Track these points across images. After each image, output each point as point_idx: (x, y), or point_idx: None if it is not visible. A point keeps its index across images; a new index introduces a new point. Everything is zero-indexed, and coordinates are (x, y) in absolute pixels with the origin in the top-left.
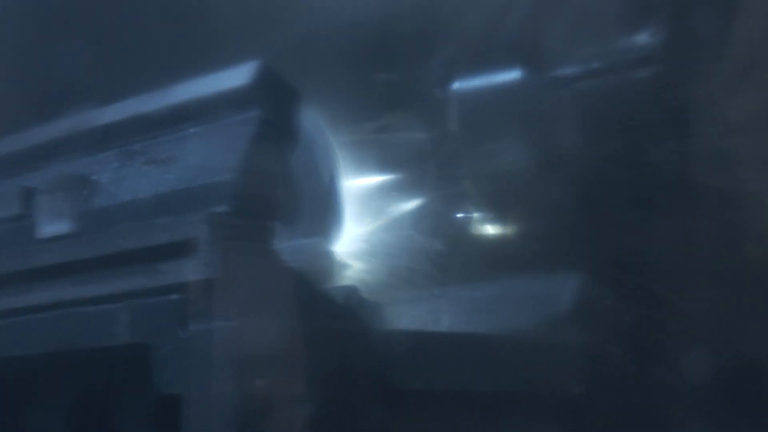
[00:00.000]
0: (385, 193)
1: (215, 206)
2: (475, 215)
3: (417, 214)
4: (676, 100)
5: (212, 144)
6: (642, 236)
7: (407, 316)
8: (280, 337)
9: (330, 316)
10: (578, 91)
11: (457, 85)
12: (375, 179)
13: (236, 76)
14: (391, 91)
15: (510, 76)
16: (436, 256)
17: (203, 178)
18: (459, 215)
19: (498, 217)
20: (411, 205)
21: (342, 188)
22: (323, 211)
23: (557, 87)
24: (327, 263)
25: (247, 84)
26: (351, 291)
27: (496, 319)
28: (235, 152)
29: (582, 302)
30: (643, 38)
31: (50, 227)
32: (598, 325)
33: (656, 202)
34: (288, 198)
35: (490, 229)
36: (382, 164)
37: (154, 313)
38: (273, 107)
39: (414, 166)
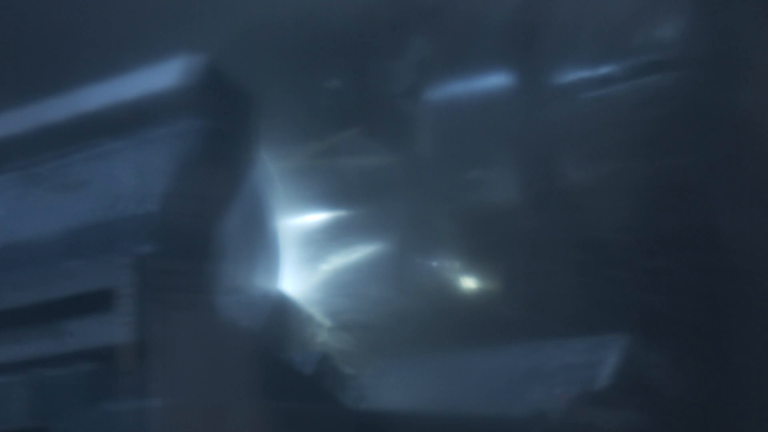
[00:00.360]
0: (334, 234)
1: (140, 246)
2: (453, 263)
3: (376, 262)
4: (700, 111)
5: (138, 163)
6: (676, 281)
7: (392, 392)
8: (226, 421)
9: (294, 392)
10: (582, 101)
11: (430, 95)
12: (322, 216)
13: (171, 74)
14: (343, 102)
15: (497, 82)
16: (406, 314)
17: (125, 208)
18: (431, 263)
19: (482, 265)
20: (369, 249)
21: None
22: (280, 255)
23: (556, 97)
24: (289, 322)
25: (185, 84)
26: (320, 359)
27: (509, 394)
28: (168, 174)
29: (626, 372)
30: (661, 36)
31: None
32: (646, 401)
33: (685, 238)
34: (238, 235)
35: (472, 282)
36: (331, 197)
37: (58, 388)
38: (220, 114)
39: (373, 200)
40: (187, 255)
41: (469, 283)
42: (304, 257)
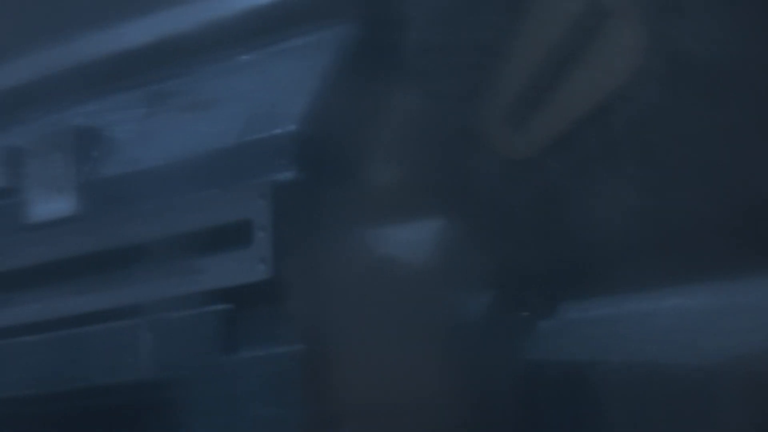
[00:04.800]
0: None
1: (279, 171)
2: None
3: None
4: None
5: (277, 78)
6: None
7: (573, 339)
8: (379, 370)
9: (462, 338)
10: None
11: None
12: None
13: None
14: None
15: None
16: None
17: (262, 128)
18: None
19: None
20: None
21: None
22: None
23: None
24: (457, 257)
25: None
26: (494, 300)
27: (699, 339)
28: (311, 90)
29: None
30: None
31: (43, 207)
32: None
33: None
34: (390, 158)
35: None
36: None
37: (188, 332)
38: (366, 20)
39: None
40: (333, 181)
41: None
42: None
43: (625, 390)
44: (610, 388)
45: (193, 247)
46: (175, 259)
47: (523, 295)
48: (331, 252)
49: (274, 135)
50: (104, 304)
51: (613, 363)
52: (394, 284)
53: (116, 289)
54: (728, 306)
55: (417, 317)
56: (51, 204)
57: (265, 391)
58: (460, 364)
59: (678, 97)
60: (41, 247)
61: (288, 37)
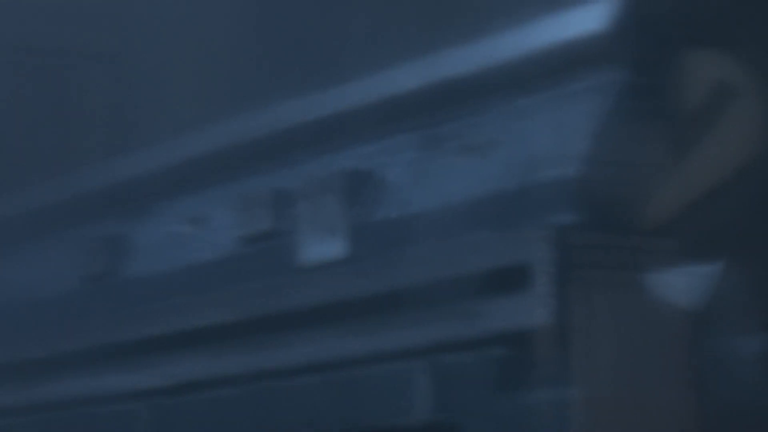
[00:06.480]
0: None
1: (558, 216)
2: None
3: None
4: None
5: (553, 122)
6: None
7: None
8: (655, 413)
9: (735, 383)
10: None
11: None
12: None
13: (588, 19)
14: None
15: None
16: None
17: (539, 173)
18: None
19: None
20: None
21: None
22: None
23: None
24: (731, 302)
25: (604, 30)
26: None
27: None
28: (588, 134)
29: None
30: None
31: (314, 249)
32: None
33: None
34: (669, 203)
35: None
36: None
37: (465, 376)
38: (646, 65)
39: None
40: (612, 226)
41: None
42: None
43: None
44: None
45: (470, 290)
46: (451, 302)
47: None
48: (609, 296)
49: (554, 179)
50: (378, 347)
51: None
52: (667, 328)
53: (390, 332)
54: None
55: (691, 360)
56: (322, 246)
57: None
58: (730, 406)
59: None
60: (313, 289)
61: (565, 82)
